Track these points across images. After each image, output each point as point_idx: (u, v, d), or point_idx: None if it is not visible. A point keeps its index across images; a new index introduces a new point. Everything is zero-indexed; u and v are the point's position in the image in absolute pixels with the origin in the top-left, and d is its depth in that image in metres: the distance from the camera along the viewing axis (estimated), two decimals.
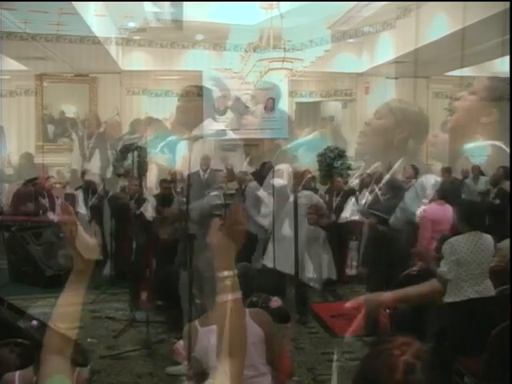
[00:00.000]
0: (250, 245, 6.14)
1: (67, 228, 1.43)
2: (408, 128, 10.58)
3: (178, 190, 7.79)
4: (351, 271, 7.90)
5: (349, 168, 10.34)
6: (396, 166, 9.22)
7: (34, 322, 2.30)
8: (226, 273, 1.39)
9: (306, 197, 6.44)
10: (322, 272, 7.14)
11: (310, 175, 7.91)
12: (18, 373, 2.24)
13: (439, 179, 6.33)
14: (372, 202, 7.14)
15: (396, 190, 6.14)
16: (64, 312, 1.49)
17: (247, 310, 2.80)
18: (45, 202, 8.32)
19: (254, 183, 7.17)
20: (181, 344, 2.99)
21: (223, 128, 10.70)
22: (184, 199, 6.54)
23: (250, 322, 2.77)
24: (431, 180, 6.12)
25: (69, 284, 1.51)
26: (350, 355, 5.08)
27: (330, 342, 5.51)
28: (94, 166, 9.99)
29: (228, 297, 1.39)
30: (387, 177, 6.90)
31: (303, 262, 6.75)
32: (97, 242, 1.53)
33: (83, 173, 8.76)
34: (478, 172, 9.70)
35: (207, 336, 2.61)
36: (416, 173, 8.32)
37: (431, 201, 5.83)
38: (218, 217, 1.51)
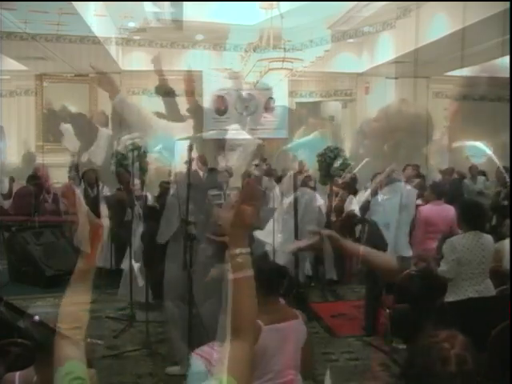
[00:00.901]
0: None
1: (70, 205, 1.45)
2: (402, 133, 10.55)
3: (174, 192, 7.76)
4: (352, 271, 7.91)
5: (349, 168, 10.34)
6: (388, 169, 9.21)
7: (36, 318, 2.29)
8: (237, 250, 1.38)
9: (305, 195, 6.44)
10: (325, 272, 7.16)
11: (306, 173, 7.93)
12: (18, 373, 2.24)
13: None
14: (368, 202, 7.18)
15: (394, 191, 6.13)
16: (69, 312, 1.49)
17: (299, 314, 2.84)
18: (46, 200, 8.32)
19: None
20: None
21: (223, 128, 10.70)
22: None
23: (301, 326, 2.82)
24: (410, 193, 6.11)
25: (73, 283, 1.51)
26: (350, 355, 5.08)
27: (330, 342, 5.51)
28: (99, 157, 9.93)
29: (239, 274, 1.37)
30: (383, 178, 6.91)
31: (303, 262, 6.75)
32: (101, 223, 1.53)
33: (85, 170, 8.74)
34: (476, 172, 9.71)
35: (270, 335, 2.60)
36: (418, 174, 8.32)
37: (428, 201, 5.83)
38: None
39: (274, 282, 2.73)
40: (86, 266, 1.51)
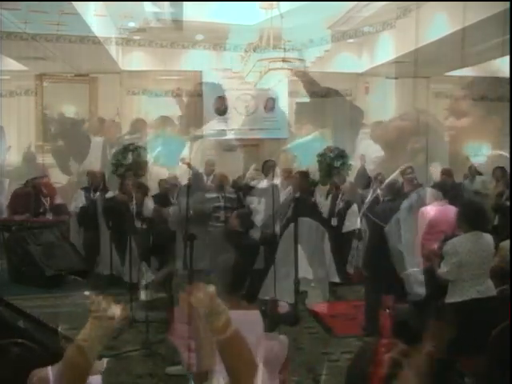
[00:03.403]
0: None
1: None
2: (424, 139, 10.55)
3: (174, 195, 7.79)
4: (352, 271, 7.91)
5: (349, 168, 10.33)
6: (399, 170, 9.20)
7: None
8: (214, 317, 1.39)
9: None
10: (327, 273, 7.14)
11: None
12: (50, 368, 2.23)
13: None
14: (372, 203, 7.13)
15: (396, 192, 6.13)
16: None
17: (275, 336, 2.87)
18: (45, 201, 8.31)
19: None
20: None
21: (223, 128, 10.70)
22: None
23: (279, 345, 2.84)
24: (431, 194, 6.08)
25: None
26: (350, 355, 5.07)
27: (330, 342, 5.51)
28: (95, 167, 9.97)
29: (223, 335, 1.39)
30: (389, 179, 6.89)
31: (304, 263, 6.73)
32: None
33: (88, 172, 8.76)
34: (474, 172, 9.71)
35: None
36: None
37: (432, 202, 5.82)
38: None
39: (236, 283, 2.72)
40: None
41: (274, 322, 3.11)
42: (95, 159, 10.37)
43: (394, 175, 7.88)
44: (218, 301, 1.43)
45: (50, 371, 2.17)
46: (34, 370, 2.18)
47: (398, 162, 9.80)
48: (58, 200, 8.55)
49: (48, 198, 8.36)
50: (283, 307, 3.27)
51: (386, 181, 6.82)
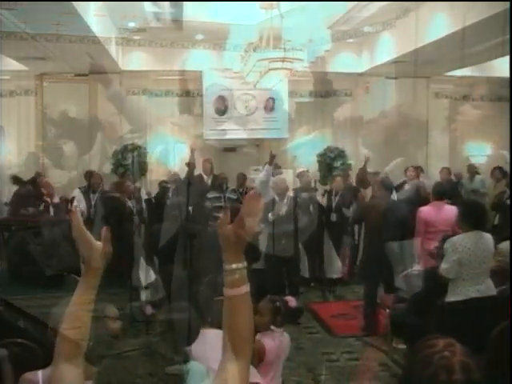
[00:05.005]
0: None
1: (74, 231, 1.43)
2: (409, 132, 10.60)
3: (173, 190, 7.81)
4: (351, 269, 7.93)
5: (349, 168, 10.35)
6: (392, 164, 9.24)
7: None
8: (234, 265, 1.32)
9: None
10: (327, 270, 7.16)
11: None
12: (40, 372, 2.23)
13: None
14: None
15: (386, 189, 6.14)
16: (75, 314, 1.47)
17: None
18: (44, 201, 8.32)
19: None
20: None
21: (223, 128, 10.70)
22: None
23: (287, 339, 3.18)
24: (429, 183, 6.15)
25: (80, 285, 1.51)
26: (350, 355, 5.08)
27: (330, 342, 5.51)
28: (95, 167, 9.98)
29: (236, 291, 1.33)
30: (381, 175, 6.93)
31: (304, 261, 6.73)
32: (104, 247, 1.51)
33: (87, 173, 8.77)
34: (473, 171, 9.73)
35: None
36: (418, 174, 8.34)
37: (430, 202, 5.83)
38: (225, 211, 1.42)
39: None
40: (91, 268, 1.50)
41: (285, 317, 3.28)
42: (95, 159, 10.38)
43: (386, 170, 7.93)
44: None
45: (40, 375, 2.18)
46: (24, 374, 2.18)
47: (389, 157, 9.86)
48: (57, 200, 8.55)
49: (48, 198, 8.37)
50: (291, 301, 3.41)
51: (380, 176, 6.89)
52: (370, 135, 10.57)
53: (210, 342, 2.66)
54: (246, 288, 1.34)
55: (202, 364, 2.49)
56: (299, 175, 8.00)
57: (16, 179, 8.63)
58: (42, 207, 8.14)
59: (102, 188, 8.13)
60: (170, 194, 7.59)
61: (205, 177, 8.42)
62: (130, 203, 6.98)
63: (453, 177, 9.56)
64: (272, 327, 3.20)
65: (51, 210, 8.16)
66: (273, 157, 6.76)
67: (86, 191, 7.98)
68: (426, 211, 5.60)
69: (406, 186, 7.90)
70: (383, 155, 10.01)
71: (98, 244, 1.49)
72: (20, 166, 10.13)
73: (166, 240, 5.97)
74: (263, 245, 6.20)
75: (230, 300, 1.33)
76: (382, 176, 7.33)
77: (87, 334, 1.47)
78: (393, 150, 10.32)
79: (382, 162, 9.59)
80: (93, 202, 7.75)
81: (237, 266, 1.33)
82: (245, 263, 1.34)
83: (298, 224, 6.41)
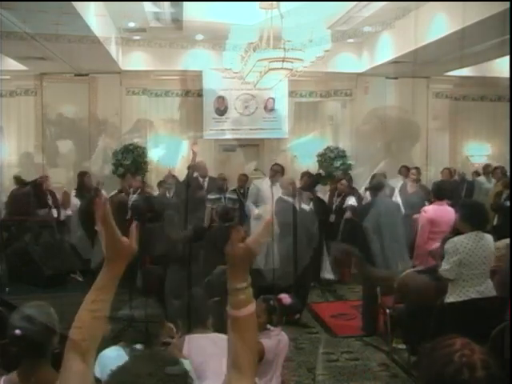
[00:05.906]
0: None
1: (100, 222, 1.39)
2: (391, 133, 10.59)
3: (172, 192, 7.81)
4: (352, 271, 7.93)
5: (349, 168, 10.36)
6: (379, 167, 9.25)
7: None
8: (239, 285, 1.31)
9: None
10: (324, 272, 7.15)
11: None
12: (3, 378, 2.22)
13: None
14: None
15: (376, 192, 6.17)
16: (78, 314, 1.46)
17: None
18: (44, 201, 8.31)
19: None
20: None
21: (223, 128, 10.70)
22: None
23: (285, 338, 3.21)
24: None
25: (97, 282, 1.46)
26: (350, 355, 5.08)
27: (330, 342, 5.51)
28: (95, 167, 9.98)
29: (242, 312, 1.31)
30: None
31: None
32: (131, 243, 1.46)
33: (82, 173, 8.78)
34: (490, 171, 9.72)
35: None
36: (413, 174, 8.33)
37: (432, 202, 5.84)
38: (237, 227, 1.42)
39: None
40: (113, 262, 1.46)
41: (281, 314, 3.28)
42: (95, 159, 10.38)
43: (376, 171, 7.97)
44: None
45: (2, 382, 2.17)
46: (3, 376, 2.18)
47: (374, 159, 9.87)
48: (57, 200, 8.55)
49: (48, 198, 8.36)
50: (285, 298, 3.41)
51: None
52: (367, 135, 10.58)
53: (194, 348, 2.72)
54: (251, 307, 1.33)
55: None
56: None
57: (18, 180, 8.63)
58: (41, 209, 8.13)
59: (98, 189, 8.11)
60: (170, 195, 7.59)
61: (200, 180, 8.32)
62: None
63: (456, 177, 9.57)
64: (268, 326, 3.20)
65: (54, 212, 8.15)
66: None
67: (81, 191, 7.99)
68: (430, 211, 5.60)
69: (409, 187, 7.91)
70: (382, 156, 10.02)
71: (125, 240, 1.45)
72: (19, 166, 10.12)
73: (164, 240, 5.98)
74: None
75: (237, 320, 1.32)
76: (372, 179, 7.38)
77: (89, 334, 1.45)
78: (392, 150, 10.32)
79: (379, 162, 9.60)
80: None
81: (241, 286, 1.32)
82: (249, 281, 1.33)
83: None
